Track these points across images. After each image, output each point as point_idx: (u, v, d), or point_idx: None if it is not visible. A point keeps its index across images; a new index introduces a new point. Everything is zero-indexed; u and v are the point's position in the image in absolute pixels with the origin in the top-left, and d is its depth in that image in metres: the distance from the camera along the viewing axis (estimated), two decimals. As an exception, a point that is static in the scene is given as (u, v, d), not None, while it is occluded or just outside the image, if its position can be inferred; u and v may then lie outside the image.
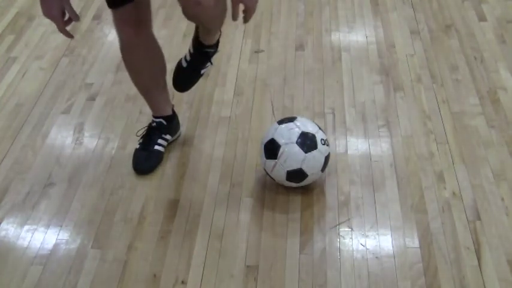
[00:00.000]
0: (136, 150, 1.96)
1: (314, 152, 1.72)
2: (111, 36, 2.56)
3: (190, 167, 1.94)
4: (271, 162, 1.74)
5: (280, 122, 1.80)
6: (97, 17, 2.67)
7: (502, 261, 1.60)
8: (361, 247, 1.67)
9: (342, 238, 1.70)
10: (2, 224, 1.79)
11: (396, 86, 2.22)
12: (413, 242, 1.67)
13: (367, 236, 1.70)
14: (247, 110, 2.15)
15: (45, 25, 2.63)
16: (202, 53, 1.80)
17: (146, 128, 1.97)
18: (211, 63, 1.86)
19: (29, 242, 1.73)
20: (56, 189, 1.89)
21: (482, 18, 2.56)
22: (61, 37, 2.63)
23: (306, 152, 1.71)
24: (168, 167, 1.94)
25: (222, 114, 2.13)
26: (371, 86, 2.23)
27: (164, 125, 1.94)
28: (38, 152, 2.02)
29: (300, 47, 2.46)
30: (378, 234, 1.70)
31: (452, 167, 1.89)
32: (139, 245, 1.70)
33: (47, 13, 1.50)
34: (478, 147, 1.95)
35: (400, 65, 2.33)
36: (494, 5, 2.63)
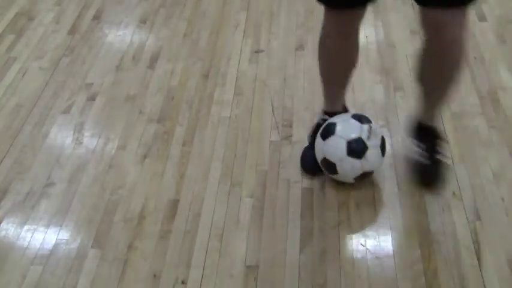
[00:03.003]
0: (305, 148, 1.92)
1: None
2: (111, 36, 2.56)
3: (190, 167, 1.94)
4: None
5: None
6: (97, 17, 2.67)
7: (502, 261, 1.60)
8: (361, 247, 1.67)
9: (341, 238, 1.69)
10: (2, 224, 1.79)
11: (396, 86, 2.22)
12: (413, 242, 1.67)
13: (367, 236, 1.70)
14: (247, 110, 2.15)
15: (45, 25, 2.63)
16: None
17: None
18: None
19: (29, 242, 1.73)
20: (56, 189, 1.89)
21: (482, 18, 2.55)
22: (61, 37, 2.66)
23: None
24: (168, 167, 1.94)
25: (222, 114, 2.13)
26: (371, 85, 2.23)
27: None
28: (38, 152, 2.02)
29: (300, 47, 2.46)
30: (377, 234, 1.70)
31: (452, 167, 1.89)
32: (139, 245, 1.70)
33: None
34: (478, 147, 1.95)
35: (400, 65, 2.32)
36: (494, 5, 2.63)
